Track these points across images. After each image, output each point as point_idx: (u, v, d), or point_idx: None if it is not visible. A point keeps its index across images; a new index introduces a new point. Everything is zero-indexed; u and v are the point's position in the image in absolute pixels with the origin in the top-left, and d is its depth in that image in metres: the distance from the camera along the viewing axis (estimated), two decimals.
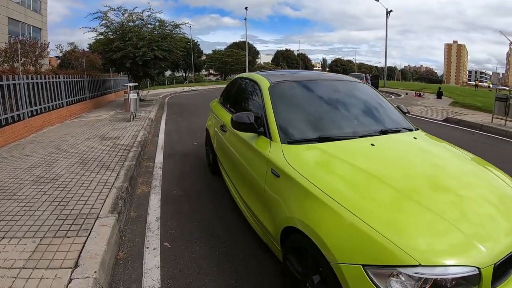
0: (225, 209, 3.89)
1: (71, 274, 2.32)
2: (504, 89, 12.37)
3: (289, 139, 2.66)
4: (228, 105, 4.39)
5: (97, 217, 3.22)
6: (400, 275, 1.52)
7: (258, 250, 3.01)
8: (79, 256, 2.55)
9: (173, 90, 30.84)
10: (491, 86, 40.70)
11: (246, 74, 4.32)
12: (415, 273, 1.49)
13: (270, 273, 2.71)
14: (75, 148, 6.34)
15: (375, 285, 1.55)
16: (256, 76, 3.69)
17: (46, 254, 2.60)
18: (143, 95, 20.20)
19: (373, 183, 2.06)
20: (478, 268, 1.51)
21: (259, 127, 2.89)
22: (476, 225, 1.75)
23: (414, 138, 2.92)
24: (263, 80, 3.37)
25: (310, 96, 3.35)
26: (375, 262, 1.58)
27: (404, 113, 3.57)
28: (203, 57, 67.40)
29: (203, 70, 68.75)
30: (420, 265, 1.49)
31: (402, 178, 2.15)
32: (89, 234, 2.89)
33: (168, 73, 59.21)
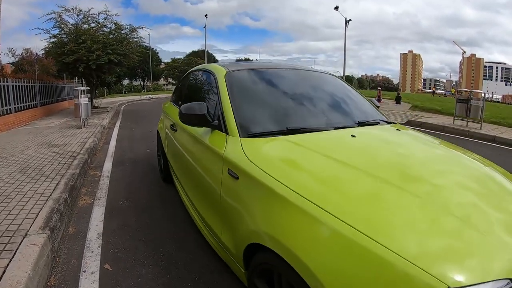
0: (178, 222, 3.37)
1: None
2: (465, 91, 12.97)
3: (250, 133, 2.11)
4: (180, 102, 3.73)
5: (26, 234, 2.64)
6: None
7: (221, 272, 2.46)
8: None
9: (130, 98, 29.29)
10: (455, 93, 43.52)
11: (200, 66, 3.64)
12: None
13: None
14: (17, 155, 5.54)
15: None
16: (211, 65, 3.10)
17: None
18: (98, 102, 18.96)
19: (363, 180, 1.53)
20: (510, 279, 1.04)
21: (213, 120, 2.34)
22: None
23: (397, 130, 2.46)
24: (218, 69, 2.81)
25: (274, 85, 2.81)
26: None
27: (378, 107, 3.21)
28: (162, 66, 64.94)
29: (162, 79, 66.20)
30: None
31: (401, 172, 1.64)
32: (12, 256, 2.31)
33: (126, 82, 56.61)
